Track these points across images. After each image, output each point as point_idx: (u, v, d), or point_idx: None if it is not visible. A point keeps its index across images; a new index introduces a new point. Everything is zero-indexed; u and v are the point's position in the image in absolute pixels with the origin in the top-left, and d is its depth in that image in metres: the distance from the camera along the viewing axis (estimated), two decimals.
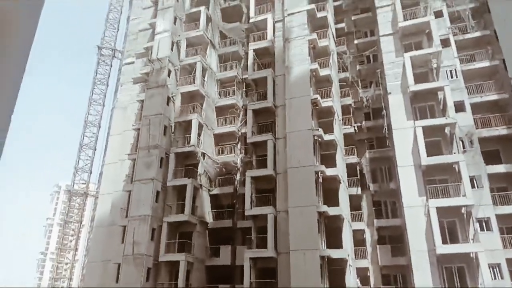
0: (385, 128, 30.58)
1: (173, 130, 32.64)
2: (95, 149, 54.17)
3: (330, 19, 35.05)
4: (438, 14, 31.54)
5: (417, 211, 25.82)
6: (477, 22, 31.96)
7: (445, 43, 30.60)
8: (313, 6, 33.25)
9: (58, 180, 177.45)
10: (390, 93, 29.63)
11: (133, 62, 38.43)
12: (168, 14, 35.75)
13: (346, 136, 32.97)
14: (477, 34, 31.55)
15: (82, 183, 54.86)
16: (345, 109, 34.07)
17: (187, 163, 31.88)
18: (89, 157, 53.96)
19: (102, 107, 54.93)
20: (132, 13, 43.74)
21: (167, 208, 30.27)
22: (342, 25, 37.34)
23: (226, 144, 33.79)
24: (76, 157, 53.54)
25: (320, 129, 29.22)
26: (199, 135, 31.95)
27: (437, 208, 24.93)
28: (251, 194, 28.83)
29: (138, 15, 41.29)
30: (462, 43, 31.74)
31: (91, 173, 54.24)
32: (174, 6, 36.06)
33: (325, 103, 30.53)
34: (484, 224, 25.83)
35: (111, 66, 53.54)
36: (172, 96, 33.19)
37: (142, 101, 34.04)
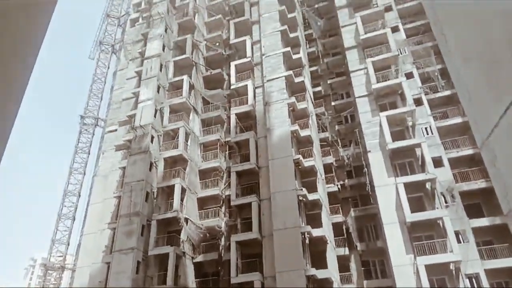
0: (368, 186, 30.81)
1: (155, 196, 32.12)
2: (74, 219, 52.38)
3: (307, 83, 36.66)
4: (409, 76, 33.35)
5: (406, 270, 25.25)
6: (446, 81, 33.85)
7: (418, 102, 32.06)
8: (290, 72, 34.90)
9: (33, 253, 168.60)
10: (369, 151, 30.31)
11: (115, 130, 38.72)
12: (151, 83, 36.81)
13: (330, 195, 32.98)
14: (447, 92, 33.29)
15: (59, 256, 52.21)
16: (327, 168, 34.45)
17: (170, 229, 30.98)
18: (67, 227, 51.97)
19: (83, 176, 54.09)
20: (116, 84, 44.91)
21: (148, 279, 28.81)
22: (319, 88, 39.16)
23: (210, 208, 33.24)
24: (54, 228, 51.52)
25: (304, 189, 29.23)
26: (182, 200, 31.46)
27: (425, 265, 24.46)
28: (237, 260, 27.86)
29: (122, 85, 42.39)
30: (434, 101, 33.34)
31: (68, 244, 51.91)
32: (157, 75, 37.29)
33: (307, 162, 30.88)
34: (474, 280, 25.30)
35: (93, 134, 53.72)
36: (155, 162, 33.12)
37: (124, 168, 33.79)
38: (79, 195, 53.22)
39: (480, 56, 2.02)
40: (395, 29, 35.27)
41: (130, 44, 44.68)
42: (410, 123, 30.52)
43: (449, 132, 32.06)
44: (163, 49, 39.43)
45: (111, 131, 40.06)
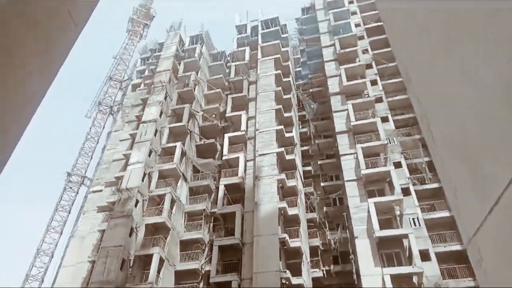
0: (354, 275, 29.69)
1: (131, 265, 30.49)
2: (43, 281, 48.98)
3: (298, 162, 37.11)
4: (398, 165, 33.97)
5: None
6: (434, 174, 34.37)
7: (406, 192, 32.24)
8: (282, 149, 35.52)
9: None
10: (357, 237, 29.73)
11: (100, 190, 37.99)
12: (144, 147, 36.99)
13: (315, 280, 31.61)
14: (435, 185, 33.62)
15: None
16: (313, 251, 33.43)
17: None
18: None
19: (59, 235, 51.74)
20: (109, 144, 45.09)
21: None
22: (309, 168, 39.55)
23: (187, 283, 31.45)
24: None
25: (288, 271, 28.04)
26: (159, 271, 29.84)
27: None
28: None
29: (115, 146, 42.54)
30: (422, 193, 33.50)
31: None
32: (151, 139, 37.62)
33: (293, 243, 30.05)
34: None
35: (77, 193, 52.48)
36: (136, 227, 32.00)
37: (103, 231, 32.51)
38: (52, 256, 50.39)
39: (464, 153, 2.03)
40: (385, 119, 36.75)
41: (129, 107, 45.78)
42: (398, 212, 30.40)
43: (437, 226, 31.77)
44: (160, 115, 40.32)
45: (95, 191, 39.26)
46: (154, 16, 63.77)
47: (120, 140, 41.94)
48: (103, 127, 55.68)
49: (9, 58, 2.20)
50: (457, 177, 2.15)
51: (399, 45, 3.26)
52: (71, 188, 52.50)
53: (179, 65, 47.21)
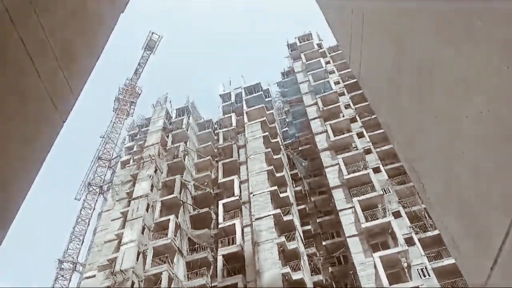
0: None
1: None
2: None
3: (296, 222, 36.25)
4: (397, 215, 33.35)
5: None
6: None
7: (409, 241, 31.34)
8: (278, 210, 34.83)
9: None
10: None
11: (94, 276, 36.09)
12: (136, 224, 35.94)
13: None
14: (437, 231, 32.91)
15: None
16: None
17: None
18: None
19: None
20: (100, 225, 43.81)
21: None
22: (309, 227, 38.57)
23: None
24: None
25: None
26: None
27: None
28: None
29: (106, 226, 41.29)
30: (426, 241, 32.59)
31: None
32: (143, 216, 36.67)
33: None
34: None
35: (70, 281, 49.78)
36: None
37: None
38: None
39: (458, 205, 2.00)
40: (377, 170, 36.78)
41: (119, 185, 45.20)
42: (405, 264, 29.30)
43: (447, 274, 30.54)
44: (151, 189, 39.76)
45: (89, 277, 37.29)
46: (139, 94, 65.58)
47: (112, 220, 40.79)
48: (93, 208, 54.55)
49: None
50: (456, 231, 2.10)
51: (377, 102, 3.30)
52: (63, 276, 49.93)
53: (167, 138, 47.66)
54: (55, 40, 2.57)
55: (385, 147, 39.42)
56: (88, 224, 53.45)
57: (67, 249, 51.45)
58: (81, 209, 54.22)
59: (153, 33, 66.56)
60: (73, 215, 68.42)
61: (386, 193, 34.73)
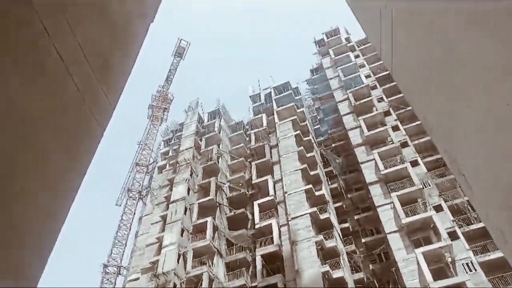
0: None
1: None
2: None
3: (334, 220, 35.76)
4: (439, 208, 32.18)
5: None
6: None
7: (453, 235, 30.20)
8: (315, 209, 34.49)
9: None
10: None
11: (137, 278, 37.22)
12: (176, 227, 36.73)
13: None
14: (482, 224, 31.50)
15: None
16: None
17: None
18: None
19: None
20: (141, 229, 45.08)
21: None
22: (347, 224, 37.88)
23: None
24: None
25: None
26: None
27: None
28: None
29: (147, 230, 42.46)
30: (470, 235, 31.29)
31: None
32: (182, 218, 37.42)
33: None
34: None
35: (115, 284, 51.52)
36: None
37: None
38: None
39: (504, 198, 1.89)
40: (415, 163, 35.60)
41: (157, 189, 46.35)
42: (449, 259, 28.25)
43: (495, 268, 29.18)
44: (188, 193, 40.51)
45: (133, 280, 38.49)
46: (172, 100, 67.00)
47: (152, 224, 41.93)
48: (134, 213, 56.18)
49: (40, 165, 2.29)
50: (503, 224, 2.01)
51: (411, 93, 3.20)
52: (108, 279, 51.78)
53: (201, 141, 48.40)
54: (90, 53, 2.66)
55: (423, 140, 38.10)
56: (130, 228, 55.14)
57: (111, 254, 53.34)
58: (122, 215, 56.02)
59: (181, 40, 67.92)
60: (115, 221, 70.92)
61: (425, 187, 33.60)
